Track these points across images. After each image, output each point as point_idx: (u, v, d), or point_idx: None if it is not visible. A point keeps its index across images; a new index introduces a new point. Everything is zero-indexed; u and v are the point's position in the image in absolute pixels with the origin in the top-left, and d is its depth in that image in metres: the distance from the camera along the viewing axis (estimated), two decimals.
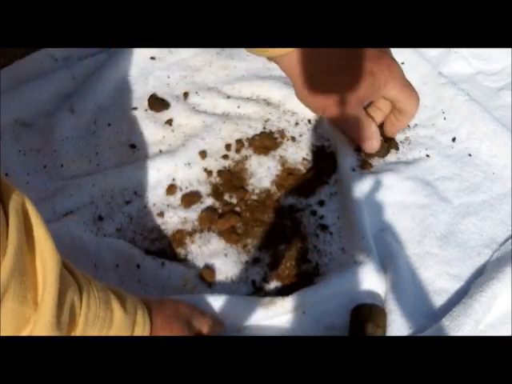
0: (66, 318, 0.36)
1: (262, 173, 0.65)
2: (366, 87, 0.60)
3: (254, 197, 0.63)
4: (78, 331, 0.38)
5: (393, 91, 0.61)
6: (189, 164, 0.65)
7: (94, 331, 0.39)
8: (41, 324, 0.34)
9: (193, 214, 0.61)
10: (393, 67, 0.61)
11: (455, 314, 0.52)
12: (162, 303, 0.49)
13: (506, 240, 0.60)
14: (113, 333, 0.40)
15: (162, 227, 0.61)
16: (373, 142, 0.63)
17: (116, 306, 0.41)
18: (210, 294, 0.54)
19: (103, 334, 0.40)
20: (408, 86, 0.62)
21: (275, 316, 0.54)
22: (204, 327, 0.50)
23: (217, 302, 0.54)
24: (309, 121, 0.69)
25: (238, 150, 0.66)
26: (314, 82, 0.62)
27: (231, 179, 0.64)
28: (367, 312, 0.53)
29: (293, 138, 0.67)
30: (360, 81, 0.59)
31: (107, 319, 0.40)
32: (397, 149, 0.67)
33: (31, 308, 0.34)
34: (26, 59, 0.74)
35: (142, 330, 0.44)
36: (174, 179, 0.64)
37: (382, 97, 0.63)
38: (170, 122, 0.69)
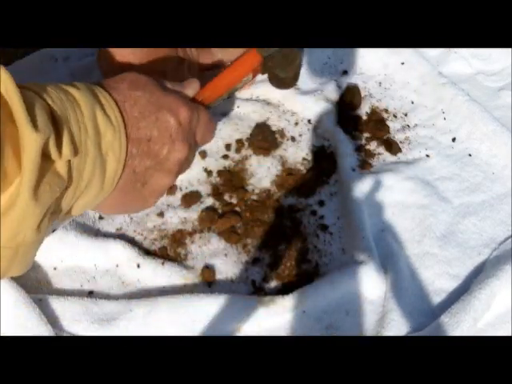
0: (43, 120, 0.34)
1: (262, 173, 0.65)
2: None
3: (254, 197, 0.63)
4: (59, 122, 0.36)
5: None
6: None
7: (68, 113, 0.37)
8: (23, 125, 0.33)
9: (193, 214, 0.61)
10: None
11: (454, 310, 0.53)
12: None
13: (506, 239, 0.60)
14: (85, 109, 0.39)
15: (162, 227, 0.61)
16: None
17: (69, 88, 0.39)
18: (210, 294, 0.54)
19: (78, 113, 0.38)
20: None
21: (276, 315, 0.54)
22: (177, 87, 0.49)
23: (217, 301, 0.54)
24: (309, 121, 0.69)
25: (238, 150, 0.66)
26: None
27: (231, 179, 0.64)
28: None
29: (293, 138, 0.67)
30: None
31: (72, 99, 0.38)
32: (399, 150, 0.67)
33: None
34: (26, 59, 0.74)
35: (106, 100, 0.41)
36: None
37: None
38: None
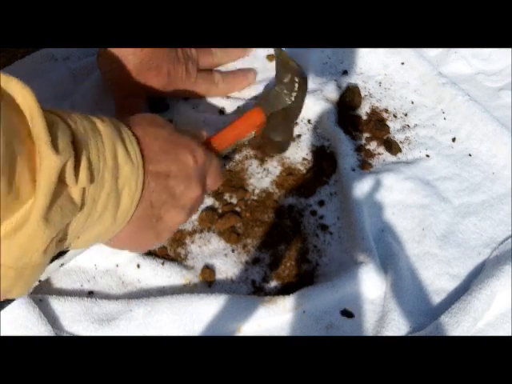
0: (64, 143, 0.34)
1: (262, 173, 0.65)
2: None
3: (254, 197, 0.63)
4: (79, 147, 0.36)
5: None
6: None
7: (90, 139, 0.37)
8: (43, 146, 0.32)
9: None
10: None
11: (454, 310, 0.53)
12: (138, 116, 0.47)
13: (506, 239, 0.60)
14: (106, 141, 0.39)
15: None
16: None
17: (94, 118, 0.40)
18: (210, 294, 0.54)
19: (99, 143, 0.38)
20: None
21: (276, 315, 0.54)
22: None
23: (217, 301, 0.54)
24: (309, 121, 0.69)
25: (238, 150, 0.66)
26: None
27: (231, 179, 0.64)
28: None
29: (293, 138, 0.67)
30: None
31: (95, 129, 0.38)
32: (399, 150, 0.67)
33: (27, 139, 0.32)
34: (26, 59, 0.73)
35: (127, 135, 0.42)
36: None
37: None
38: (169, 122, 0.68)
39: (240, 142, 0.58)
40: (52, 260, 0.43)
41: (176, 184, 0.45)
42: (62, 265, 0.45)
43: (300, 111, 0.61)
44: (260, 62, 0.73)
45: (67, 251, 0.44)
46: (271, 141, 0.62)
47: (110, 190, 0.38)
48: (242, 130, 0.57)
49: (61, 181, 0.34)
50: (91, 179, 0.36)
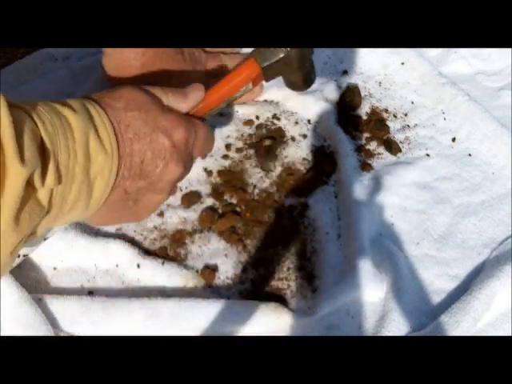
0: (31, 151, 0.33)
1: (262, 173, 0.65)
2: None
3: (254, 197, 0.63)
4: (47, 151, 0.35)
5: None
6: None
7: (59, 139, 0.36)
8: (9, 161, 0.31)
9: (193, 214, 0.61)
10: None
11: (454, 310, 0.53)
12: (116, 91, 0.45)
13: (506, 239, 0.60)
14: (78, 134, 0.38)
15: (162, 227, 0.61)
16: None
17: (65, 109, 0.38)
18: (210, 295, 0.54)
19: (70, 139, 0.37)
20: None
21: (276, 315, 0.54)
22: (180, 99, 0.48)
23: (216, 302, 0.54)
24: (309, 121, 0.69)
25: (238, 150, 0.66)
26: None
27: (231, 179, 0.64)
28: None
29: (293, 138, 0.67)
30: None
31: (65, 123, 0.37)
32: (399, 150, 0.67)
33: None
34: (26, 59, 0.73)
35: (101, 122, 0.40)
36: None
37: None
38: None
39: (233, 98, 0.55)
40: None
41: (151, 170, 0.44)
42: (45, 239, 0.46)
43: (308, 56, 0.57)
44: None
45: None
46: (286, 80, 0.58)
47: (81, 184, 0.38)
48: (234, 86, 0.54)
49: (28, 185, 0.33)
50: (59, 180, 0.36)
